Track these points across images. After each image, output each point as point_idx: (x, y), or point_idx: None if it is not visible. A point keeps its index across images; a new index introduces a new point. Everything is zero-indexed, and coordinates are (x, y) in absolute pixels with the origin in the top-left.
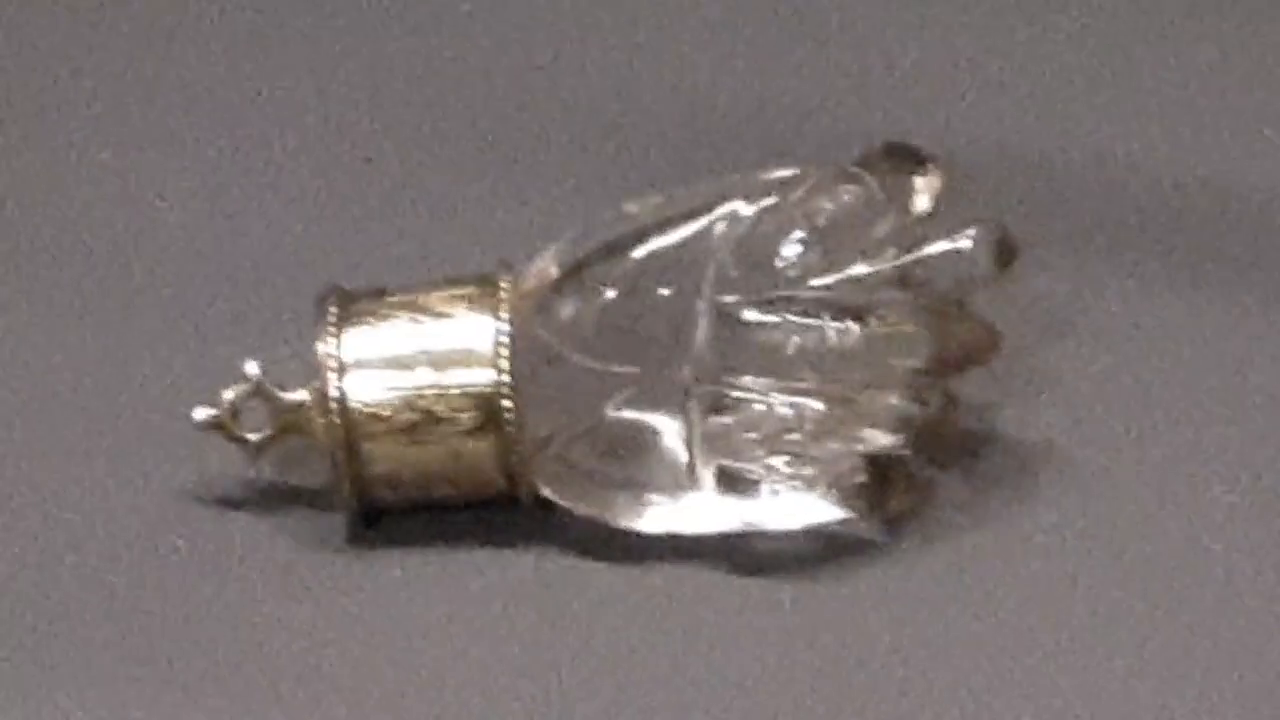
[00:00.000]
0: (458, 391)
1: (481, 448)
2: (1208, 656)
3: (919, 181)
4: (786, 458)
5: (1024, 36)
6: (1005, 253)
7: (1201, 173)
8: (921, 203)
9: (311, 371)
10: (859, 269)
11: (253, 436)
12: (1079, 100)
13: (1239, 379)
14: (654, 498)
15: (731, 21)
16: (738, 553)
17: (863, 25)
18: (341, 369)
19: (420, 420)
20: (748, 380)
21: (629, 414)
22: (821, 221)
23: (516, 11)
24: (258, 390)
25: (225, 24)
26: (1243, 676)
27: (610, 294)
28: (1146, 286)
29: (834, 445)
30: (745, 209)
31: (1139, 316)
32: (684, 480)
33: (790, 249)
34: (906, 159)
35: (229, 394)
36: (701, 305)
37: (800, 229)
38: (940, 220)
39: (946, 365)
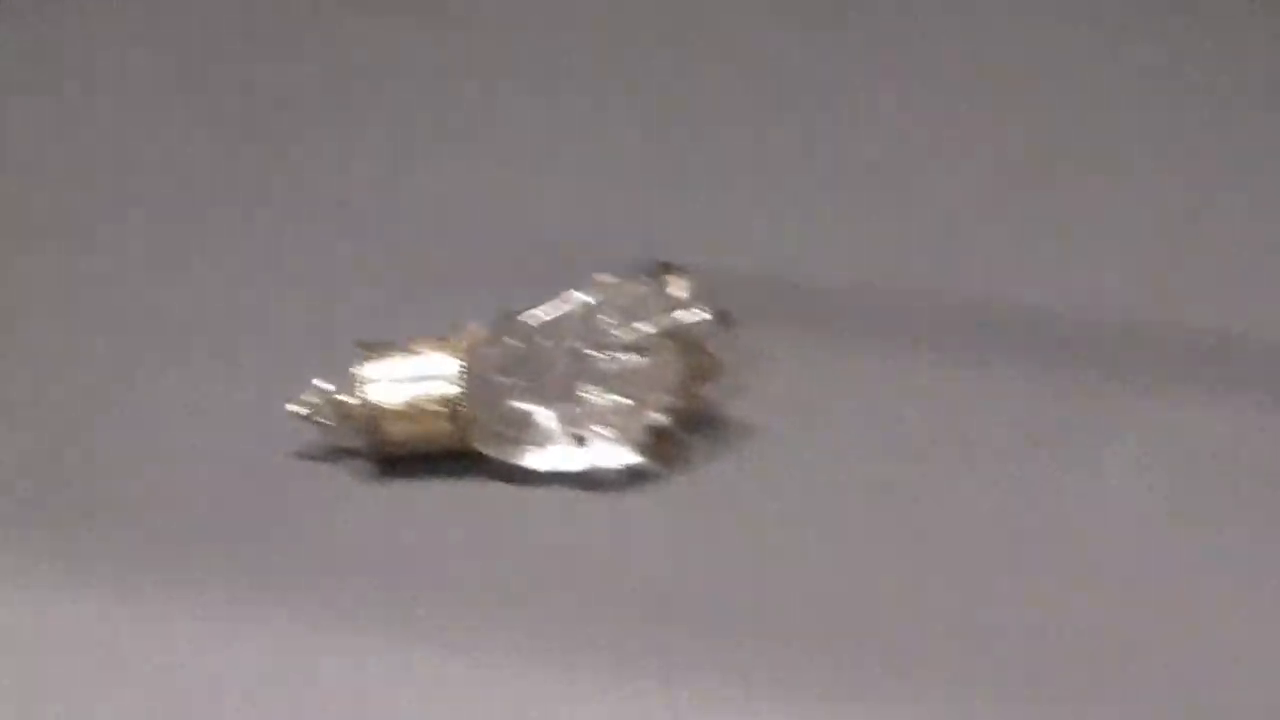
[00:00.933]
0: (433, 395)
1: (446, 425)
2: (847, 551)
3: (677, 281)
4: (609, 428)
5: (735, 192)
6: (724, 319)
7: (848, 269)
8: (678, 292)
9: (355, 385)
10: (645, 328)
11: (324, 421)
12: (779, 230)
13: (868, 394)
14: (537, 450)
15: (596, 203)
16: (583, 479)
17: (658, 199)
18: (368, 383)
19: (413, 411)
20: (588, 387)
21: (524, 405)
22: (625, 303)
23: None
24: (327, 396)
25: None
26: (873, 559)
27: (514, 343)
28: (810, 339)
29: (633, 421)
30: (586, 298)
31: (806, 356)
32: (553, 440)
33: (609, 318)
34: (670, 269)
35: (311, 398)
36: (563, 349)
37: (615, 307)
38: (690, 300)
39: (693, 379)
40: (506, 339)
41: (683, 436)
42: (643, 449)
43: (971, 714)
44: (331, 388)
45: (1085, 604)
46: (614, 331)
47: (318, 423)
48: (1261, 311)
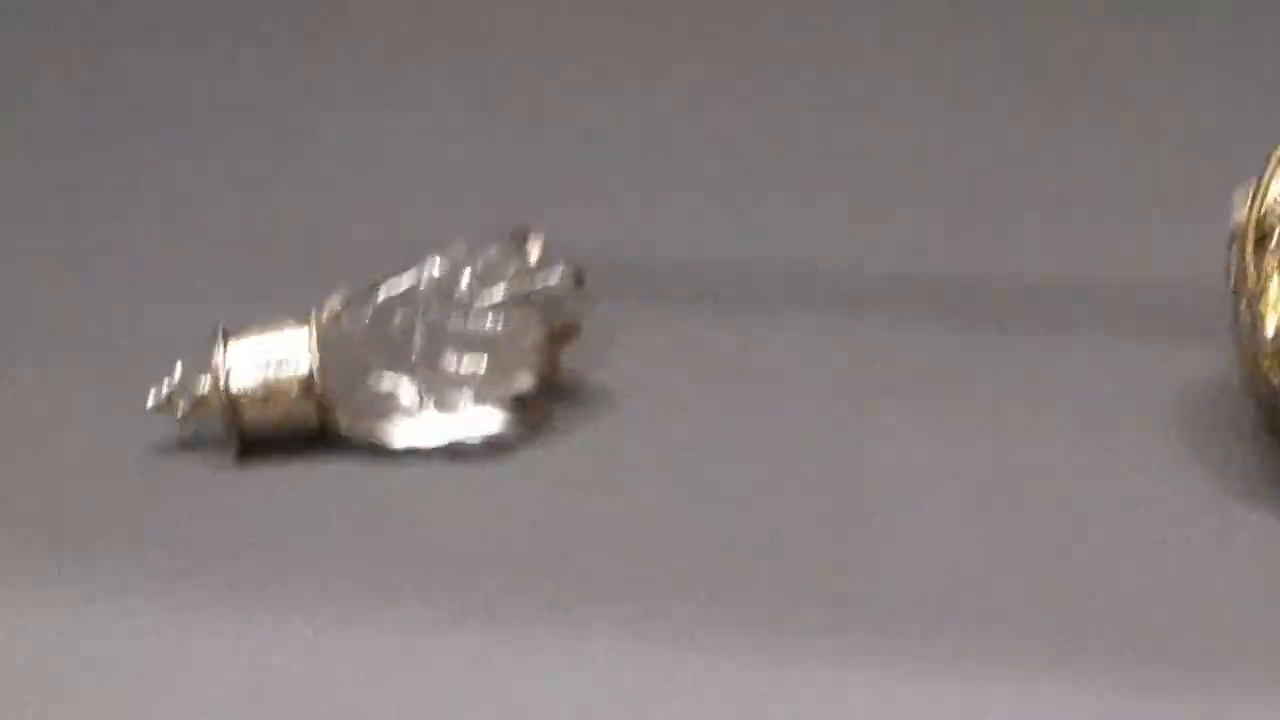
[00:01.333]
0: (289, 376)
1: (306, 406)
2: (717, 503)
3: (531, 245)
4: (471, 395)
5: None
6: (579, 279)
7: (703, 241)
8: (533, 256)
9: (211, 373)
10: (503, 292)
11: (181, 411)
12: (632, 198)
13: (729, 362)
14: (400, 424)
15: (448, 173)
16: (447, 451)
17: (511, 169)
18: (225, 370)
19: (269, 394)
20: (449, 356)
21: (384, 379)
22: (480, 269)
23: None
24: (182, 386)
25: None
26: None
27: (370, 317)
28: (667, 310)
29: (496, 387)
30: (439, 267)
31: (666, 326)
32: (415, 412)
33: (464, 285)
34: (524, 234)
35: (166, 389)
36: (420, 318)
37: (469, 273)
38: (547, 263)
39: (553, 342)
40: (362, 314)
41: (546, 404)
42: (507, 416)
43: (851, 660)
44: (187, 377)
45: (959, 544)
46: (469, 297)
47: (175, 414)
48: (1097, 253)
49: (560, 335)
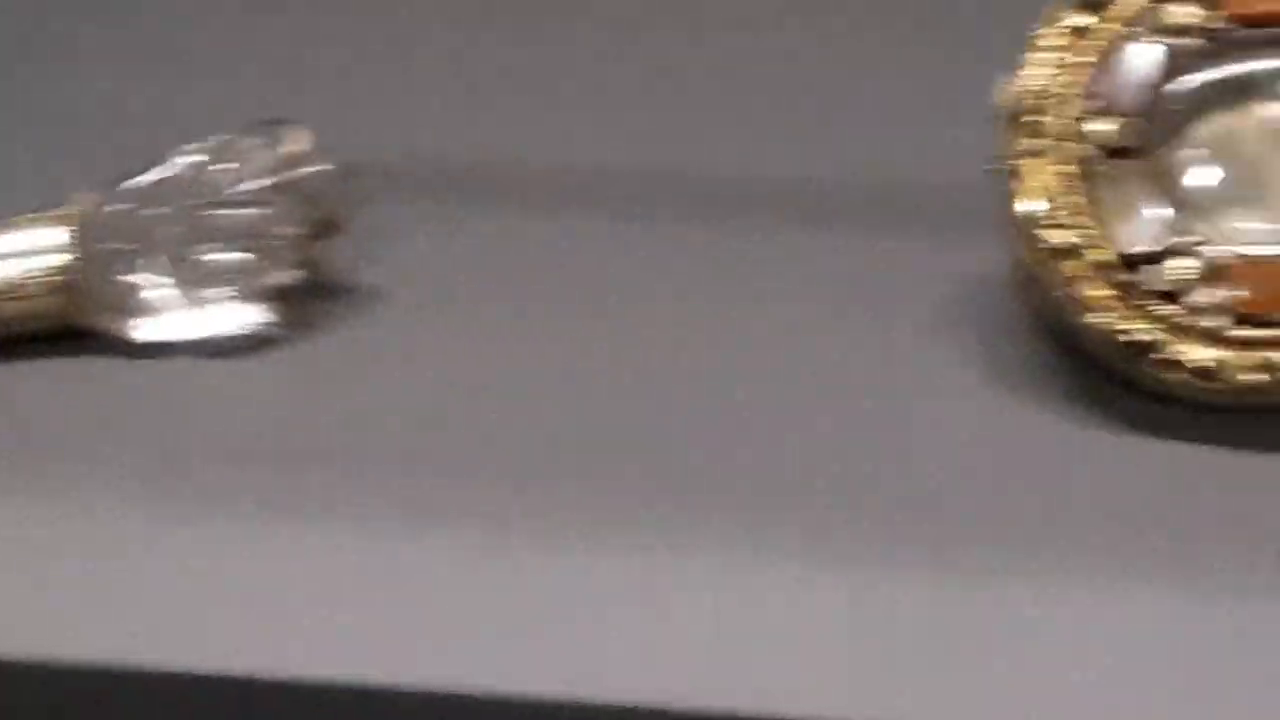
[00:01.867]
0: (40, 269)
1: (57, 300)
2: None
3: (295, 135)
4: (227, 288)
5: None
6: (344, 173)
7: (479, 143)
8: (296, 146)
9: None
10: (261, 182)
11: None
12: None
13: (499, 264)
14: (155, 319)
15: (202, 64)
16: (204, 346)
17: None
18: None
19: (19, 287)
20: (204, 248)
21: (138, 273)
22: (239, 159)
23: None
24: None
25: None
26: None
27: (123, 208)
28: (437, 210)
29: (253, 280)
30: (196, 156)
31: (435, 226)
32: (171, 307)
33: (225, 174)
34: (282, 124)
35: None
36: (175, 210)
37: (227, 163)
38: (310, 154)
39: (314, 236)
40: (116, 206)
41: (306, 299)
42: (264, 309)
43: (607, 547)
44: None
45: (729, 439)
46: (227, 188)
47: None
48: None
49: (322, 229)
